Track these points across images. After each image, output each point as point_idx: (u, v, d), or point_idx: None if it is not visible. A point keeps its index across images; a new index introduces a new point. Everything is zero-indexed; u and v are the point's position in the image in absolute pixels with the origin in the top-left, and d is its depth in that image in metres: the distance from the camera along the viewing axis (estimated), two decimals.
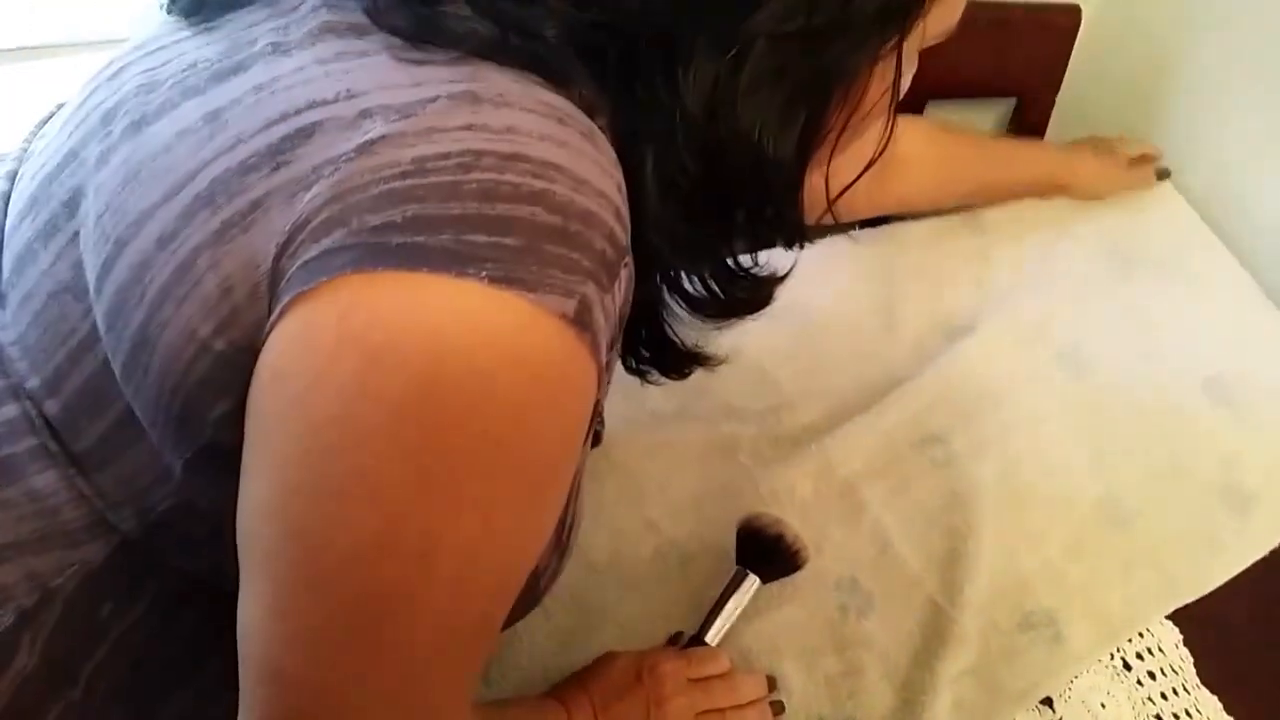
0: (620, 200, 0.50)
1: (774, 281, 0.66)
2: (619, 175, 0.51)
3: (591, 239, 0.47)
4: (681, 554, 0.89)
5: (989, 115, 1.49)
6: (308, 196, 0.46)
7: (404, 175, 0.45)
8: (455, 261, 0.43)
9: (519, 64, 0.50)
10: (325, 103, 0.48)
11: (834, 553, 0.90)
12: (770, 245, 0.64)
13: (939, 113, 1.39)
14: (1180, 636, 0.89)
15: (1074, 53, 1.33)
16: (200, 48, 0.54)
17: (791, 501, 0.92)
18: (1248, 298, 1.16)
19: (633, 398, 0.97)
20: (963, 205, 1.22)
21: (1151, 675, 0.87)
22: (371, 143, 0.46)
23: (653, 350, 0.69)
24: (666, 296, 0.64)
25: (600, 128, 0.52)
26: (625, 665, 0.77)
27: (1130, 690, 0.86)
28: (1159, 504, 0.97)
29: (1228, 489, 0.98)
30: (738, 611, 0.83)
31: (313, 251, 0.45)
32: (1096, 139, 1.28)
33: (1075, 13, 1.30)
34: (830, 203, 0.61)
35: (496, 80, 0.49)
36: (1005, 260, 1.16)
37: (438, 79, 0.48)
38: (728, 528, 0.87)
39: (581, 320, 0.46)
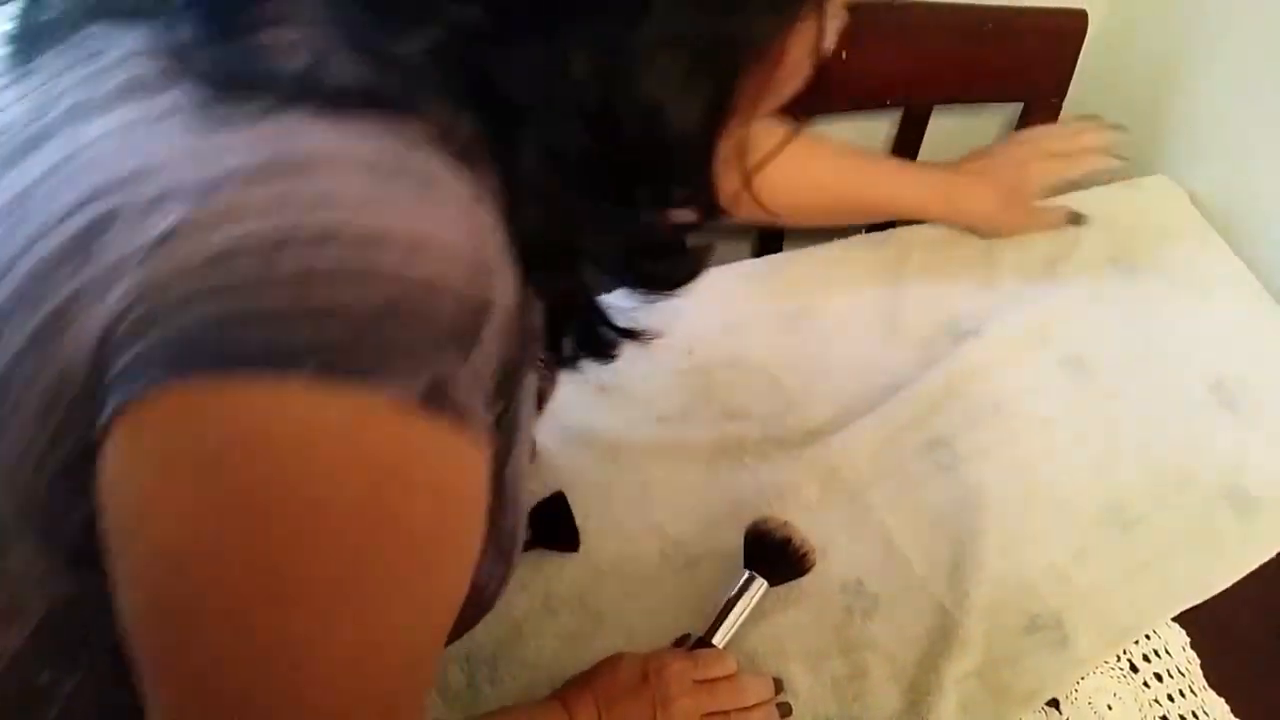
0: (476, 243, 0.45)
1: (703, 252, 0.60)
2: (480, 214, 0.46)
3: (435, 308, 0.42)
4: (687, 556, 0.89)
5: (995, 120, 1.49)
6: (114, 296, 0.41)
7: (208, 265, 0.40)
8: (275, 359, 0.40)
9: (344, 102, 0.45)
10: (121, 184, 0.43)
11: (839, 555, 0.90)
12: (701, 218, 0.60)
13: (944, 118, 1.39)
14: (1188, 639, 0.89)
15: (1081, 58, 1.34)
16: (12, 104, 0.50)
17: (796, 504, 0.92)
18: (1254, 302, 1.16)
19: (638, 403, 0.97)
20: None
21: (1159, 677, 0.87)
22: (170, 233, 0.41)
23: (581, 338, 0.64)
24: (591, 279, 0.59)
25: (462, 146, 0.47)
26: (631, 666, 0.77)
27: (1137, 692, 0.86)
28: (1164, 508, 0.97)
29: (1233, 493, 0.98)
30: (745, 614, 0.83)
31: (125, 358, 0.41)
32: (1007, 161, 1.17)
33: (1082, 17, 1.30)
34: (746, 179, 0.57)
35: (308, 135, 0.44)
36: (1011, 264, 1.16)
37: (240, 144, 0.43)
38: (732, 530, 0.88)
39: (434, 398, 0.42)
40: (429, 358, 0.42)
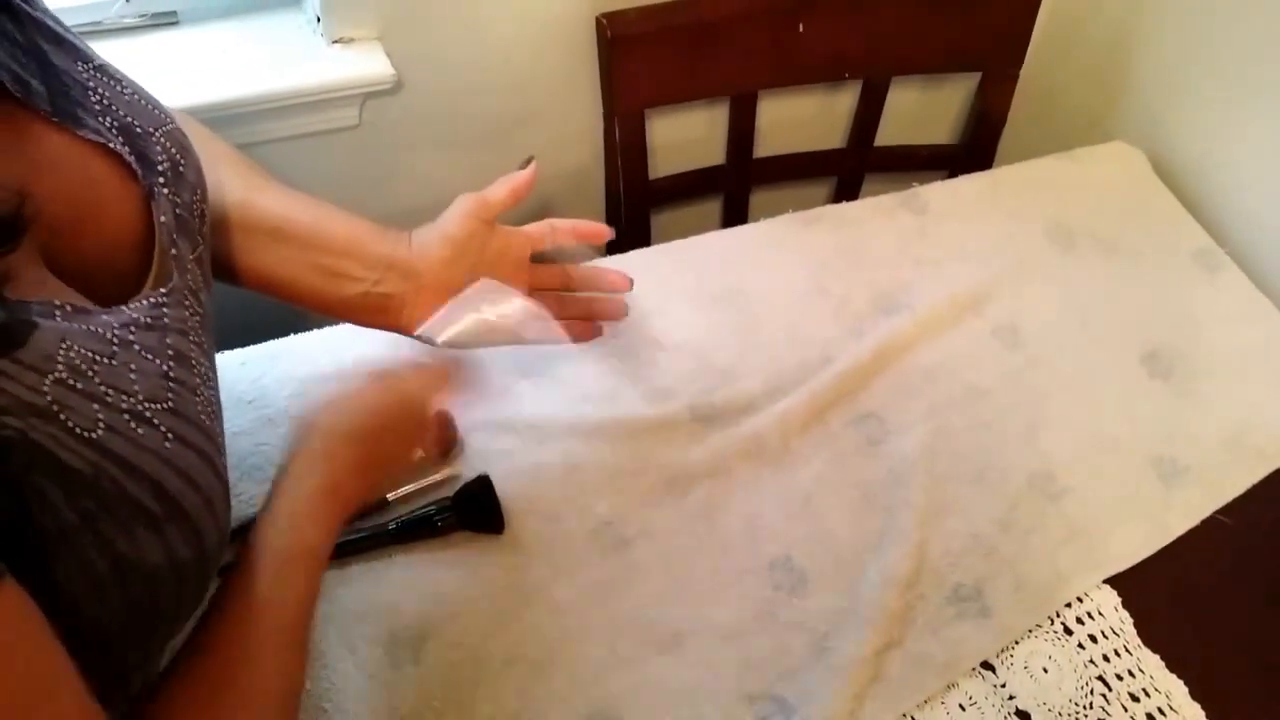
0: None
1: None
2: None
3: None
4: (617, 536, 0.90)
5: (955, 92, 1.49)
6: None
7: None
8: None
9: None
10: None
11: (769, 532, 0.91)
12: None
13: (905, 88, 1.40)
14: (1119, 599, 0.91)
15: (1037, 27, 1.34)
16: None
17: (727, 479, 0.94)
18: (1188, 272, 1.16)
19: (564, 387, 0.99)
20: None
21: (1093, 638, 0.89)
22: None
23: None
24: None
25: None
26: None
27: (1072, 654, 0.87)
28: (1093, 476, 0.98)
29: (1162, 462, 0.99)
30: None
31: None
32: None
33: None
34: None
35: None
36: (943, 237, 1.16)
37: None
38: (663, 510, 0.91)
39: None
40: None
